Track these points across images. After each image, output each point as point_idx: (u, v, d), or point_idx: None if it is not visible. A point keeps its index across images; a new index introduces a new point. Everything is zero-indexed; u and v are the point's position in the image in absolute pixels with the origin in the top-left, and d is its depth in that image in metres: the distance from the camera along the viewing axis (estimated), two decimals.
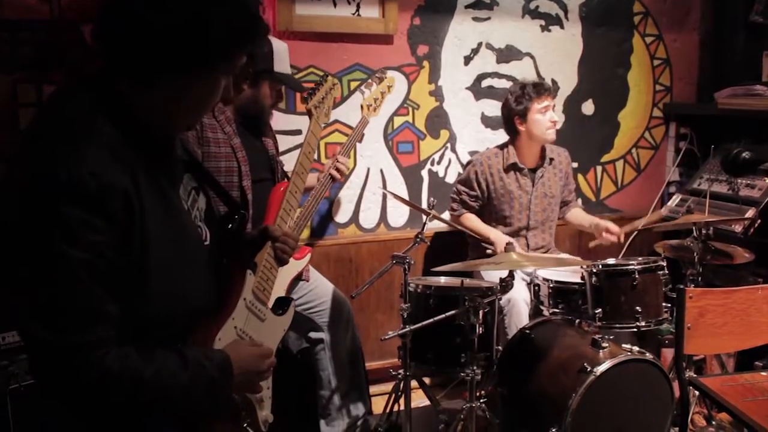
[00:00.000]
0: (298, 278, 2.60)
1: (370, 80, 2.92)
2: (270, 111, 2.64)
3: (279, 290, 2.42)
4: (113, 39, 1.10)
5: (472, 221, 3.16)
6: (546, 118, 3.06)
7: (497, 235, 3.03)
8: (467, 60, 3.44)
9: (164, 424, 1.17)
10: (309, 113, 2.43)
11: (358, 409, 2.76)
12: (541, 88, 3.07)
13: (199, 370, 1.13)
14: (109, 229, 1.02)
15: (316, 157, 3.07)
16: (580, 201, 3.41)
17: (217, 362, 1.18)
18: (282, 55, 2.52)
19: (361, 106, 2.84)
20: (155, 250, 1.08)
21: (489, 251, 3.02)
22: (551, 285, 2.69)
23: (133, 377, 1.06)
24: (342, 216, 3.34)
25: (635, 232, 3.21)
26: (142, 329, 1.09)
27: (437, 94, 3.42)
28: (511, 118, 3.10)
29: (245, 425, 1.34)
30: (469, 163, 3.30)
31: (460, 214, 3.20)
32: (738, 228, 3.10)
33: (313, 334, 2.72)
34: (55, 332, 1.01)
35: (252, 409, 1.36)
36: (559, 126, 3.19)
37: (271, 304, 1.54)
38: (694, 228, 2.72)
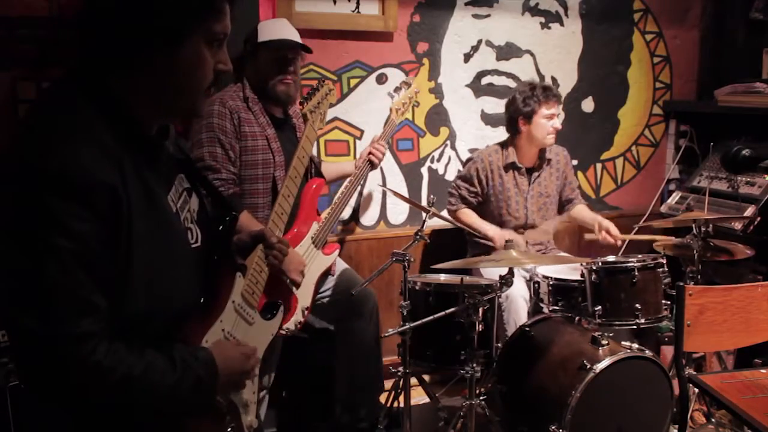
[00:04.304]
0: (326, 274, 2.63)
1: (399, 86, 3.01)
2: (277, 82, 2.51)
3: (307, 286, 2.44)
4: (85, 25, 1.11)
5: (470, 216, 3.15)
6: (549, 125, 3.04)
7: (495, 231, 3.03)
8: (467, 57, 3.44)
9: (148, 424, 1.16)
10: (304, 117, 2.43)
11: (365, 405, 2.74)
12: (551, 94, 3.04)
13: (185, 368, 1.13)
14: (97, 222, 1.02)
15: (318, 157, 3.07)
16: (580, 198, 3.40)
17: (203, 361, 1.17)
18: (268, 27, 2.55)
19: (390, 109, 2.91)
20: (139, 249, 1.08)
21: (490, 243, 3.02)
22: (551, 282, 2.69)
23: (123, 374, 1.05)
24: (342, 213, 3.33)
25: (634, 232, 3.21)
26: (124, 328, 1.08)
27: (437, 91, 3.41)
28: (516, 117, 3.07)
29: (229, 430, 1.33)
30: (469, 159, 3.29)
31: (458, 208, 3.19)
32: (738, 226, 3.10)
33: (329, 325, 2.72)
34: (42, 322, 0.99)
35: (237, 413, 1.36)
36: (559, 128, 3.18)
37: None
38: (693, 225, 2.72)
